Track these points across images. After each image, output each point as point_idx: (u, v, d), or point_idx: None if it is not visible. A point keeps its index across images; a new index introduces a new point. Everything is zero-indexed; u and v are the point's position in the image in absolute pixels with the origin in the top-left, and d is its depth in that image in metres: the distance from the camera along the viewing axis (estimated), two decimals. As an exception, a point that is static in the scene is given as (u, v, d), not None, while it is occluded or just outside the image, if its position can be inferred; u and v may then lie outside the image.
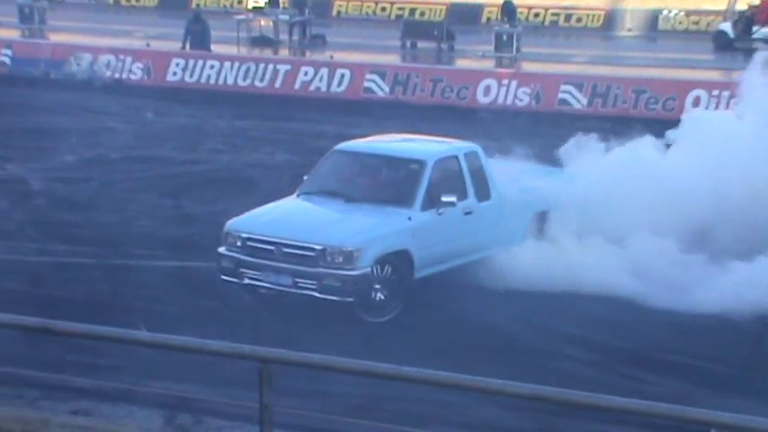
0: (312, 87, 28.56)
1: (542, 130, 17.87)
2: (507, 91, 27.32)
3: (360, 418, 9.40)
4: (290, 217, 13.50)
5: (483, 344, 11.92)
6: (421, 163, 13.69)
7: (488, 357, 11.36)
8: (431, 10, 42.38)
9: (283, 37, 36.45)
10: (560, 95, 26.92)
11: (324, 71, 28.82)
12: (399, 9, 42.85)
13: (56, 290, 13.12)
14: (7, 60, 30.68)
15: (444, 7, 42.09)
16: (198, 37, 31.15)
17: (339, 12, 43.68)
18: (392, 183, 13.93)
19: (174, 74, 29.38)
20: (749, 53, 31.83)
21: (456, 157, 14.02)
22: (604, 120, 23.52)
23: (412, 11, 42.53)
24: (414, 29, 37.08)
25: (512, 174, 14.91)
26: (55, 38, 35.39)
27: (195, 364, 9.52)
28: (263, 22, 36.96)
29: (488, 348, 11.82)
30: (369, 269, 12.60)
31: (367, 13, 43.59)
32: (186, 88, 28.06)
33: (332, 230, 12.98)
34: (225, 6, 44.77)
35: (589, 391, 6.46)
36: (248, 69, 29.31)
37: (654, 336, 12.33)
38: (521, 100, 27.13)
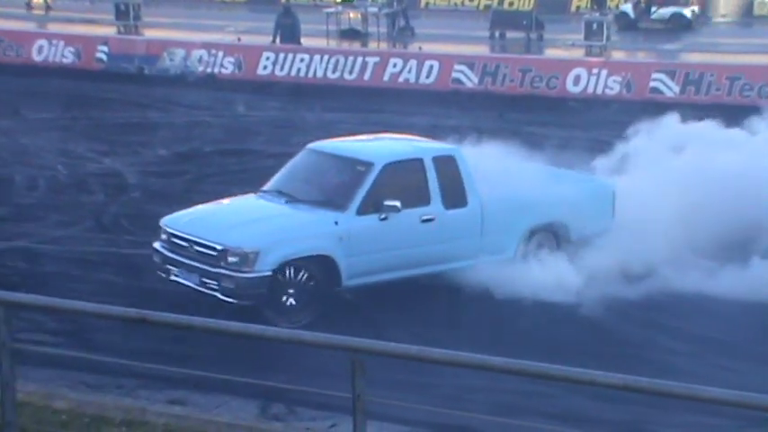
0: (401, 79, 28.57)
1: (633, 120, 17.60)
2: (597, 80, 27.07)
3: (450, 409, 9.37)
4: (212, 215, 13.30)
5: (572, 335, 11.85)
6: (367, 165, 12.98)
7: (578, 348, 11.30)
8: (519, 0, 42.03)
9: (372, 29, 36.47)
10: (651, 84, 26.60)
11: (413, 63, 28.80)
12: (488, -1, 42.61)
13: (151, 282, 13.29)
14: (104, 57, 31.15)
15: (533, -3, 41.72)
16: (288, 31, 31.27)
17: (428, 3, 43.54)
18: (335, 184, 13.30)
19: (265, 68, 29.59)
20: (650, 32, 36.45)
21: (420, 161, 13.16)
22: (697, 108, 23.15)
23: (501, 1, 42.18)
24: (503, 19, 36.84)
25: (532, 179, 13.95)
26: (149, 34, 35.86)
27: (289, 354, 9.61)
28: (351, 15, 36.96)
29: (578, 339, 11.74)
30: (269, 273, 12.08)
31: (455, 3, 43.38)
32: (276, 81, 28.25)
33: (237, 231, 12.58)
34: (314, 0, 44.96)
35: (682, 381, 6.38)
36: (337, 62, 29.40)
37: (749, 326, 12.14)
38: (611, 89, 26.85)
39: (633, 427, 9.89)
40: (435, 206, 13.05)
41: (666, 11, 37.61)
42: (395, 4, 36.94)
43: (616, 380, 5.64)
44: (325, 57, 29.71)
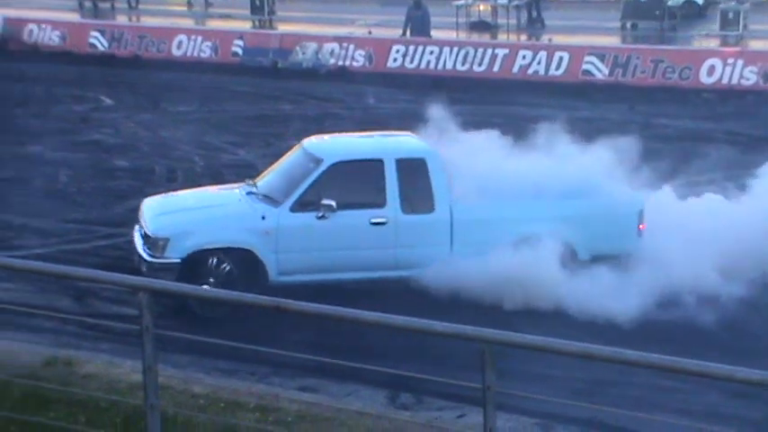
0: (530, 71, 28.34)
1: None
2: (733, 70, 26.46)
3: (581, 401, 9.31)
4: (170, 202, 13.57)
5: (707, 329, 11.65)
6: (317, 162, 12.75)
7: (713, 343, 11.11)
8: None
9: (502, 21, 36.32)
10: (791, 74, 26.00)
11: (542, 54, 28.56)
12: (619, -10, 41.96)
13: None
14: (239, 51, 31.64)
15: (665, -14, 40.95)
16: (418, 23, 31.28)
17: (558, -6, 43.13)
18: (286, 179, 13.07)
19: (395, 60, 29.65)
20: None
21: (379, 162, 12.64)
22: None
23: (632, -9, 41.53)
24: (634, 9, 36.20)
25: (534, 189, 12.95)
26: (282, 28, 36.30)
27: (419, 344, 9.64)
28: (481, 7, 36.89)
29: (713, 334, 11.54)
30: (177, 260, 12.19)
31: (586, -6, 42.84)
32: (406, 74, 28.30)
33: (160, 219, 12.75)
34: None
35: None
36: (467, 54, 29.31)
37: None
38: (747, 79, 26.23)
39: None
40: (391, 210, 12.56)
41: None
42: (525, -6, 36.72)
43: (756, 376, 5.48)
44: (455, 49, 29.64)
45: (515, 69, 28.51)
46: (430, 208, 12.58)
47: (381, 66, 29.31)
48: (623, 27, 35.07)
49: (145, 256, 12.45)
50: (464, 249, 12.47)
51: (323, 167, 12.60)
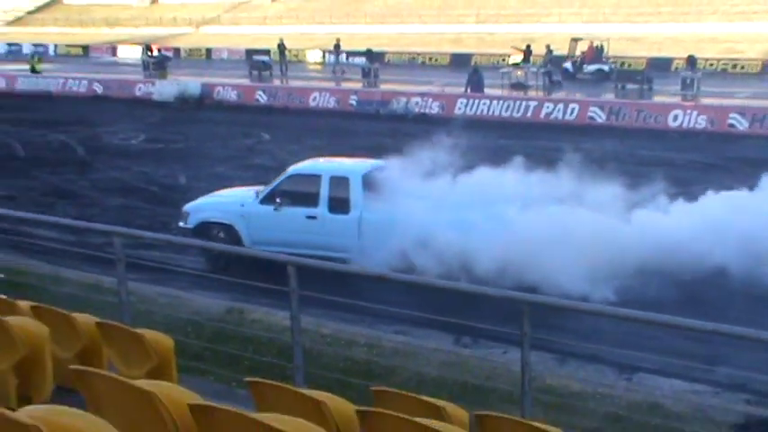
0: (552, 117, 28.10)
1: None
2: (690, 118, 25.84)
3: (587, 343, 9.07)
4: (213, 194, 13.97)
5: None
6: (284, 171, 13.05)
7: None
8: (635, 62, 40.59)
9: (532, 82, 36.08)
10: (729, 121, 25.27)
11: (560, 105, 28.24)
12: None
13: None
14: (354, 102, 31.85)
15: None
16: (476, 83, 31.33)
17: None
18: (271, 184, 13.07)
19: (459, 108, 29.58)
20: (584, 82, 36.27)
21: (318, 176, 12.50)
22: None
23: (622, 64, 40.92)
24: (624, 76, 35.77)
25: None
26: (383, 87, 36.41)
27: (476, 302, 9.42)
28: (519, 73, 36.89)
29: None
30: (191, 227, 12.89)
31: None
32: (467, 118, 28.19)
33: (194, 201, 13.52)
34: (494, 62, 44.79)
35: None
36: (509, 105, 29.14)
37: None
38: (700, 124, 25.59)
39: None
40: (321, 209, 12.39)
41: (593, 67, 38.99)
42: (548, 65, 36.62)
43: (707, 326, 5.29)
44: (500, 101, 29.52)
45: (542, 115, 28.24)
46: (347, 211, 12.27)
47: (450, 112, 29.18)
48: (615, 87, 34.50)
49: (180, 223, 13.19)
50: (368, 241, 11.90)
51: (284, 176, 12.90)
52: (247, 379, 4.82)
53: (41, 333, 5.51)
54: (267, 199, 12.70)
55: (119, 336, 5.87)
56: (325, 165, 13.45)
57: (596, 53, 39.83)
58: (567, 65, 39.50)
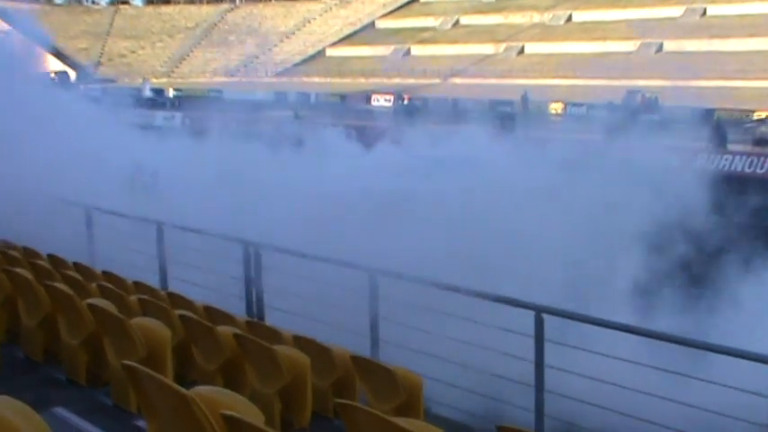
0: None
1: None
2: None
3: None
4: None
5: None
6: None
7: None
8: None
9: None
10: None
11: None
12: None
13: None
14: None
15: None
16: (720, 139, 29.88)
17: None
18: None
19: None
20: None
21: None
22: None
23: None
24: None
25: None
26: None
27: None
28: (763, 129, 35.53)
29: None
30: None
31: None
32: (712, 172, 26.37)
33: None
34: (740, 118, 41.96)
35: None
36: (754, 160, 27.40)
37: None
38: None
39: None
40: None
41: None
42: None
43: None
44: (744, 156, 27.72)
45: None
46: None
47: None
48: None
49: None
50: None
51: None
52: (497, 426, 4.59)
53: (304, 362, 5.70)
54: None
55: (371, 369, 5.96)
56: None
57: None
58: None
